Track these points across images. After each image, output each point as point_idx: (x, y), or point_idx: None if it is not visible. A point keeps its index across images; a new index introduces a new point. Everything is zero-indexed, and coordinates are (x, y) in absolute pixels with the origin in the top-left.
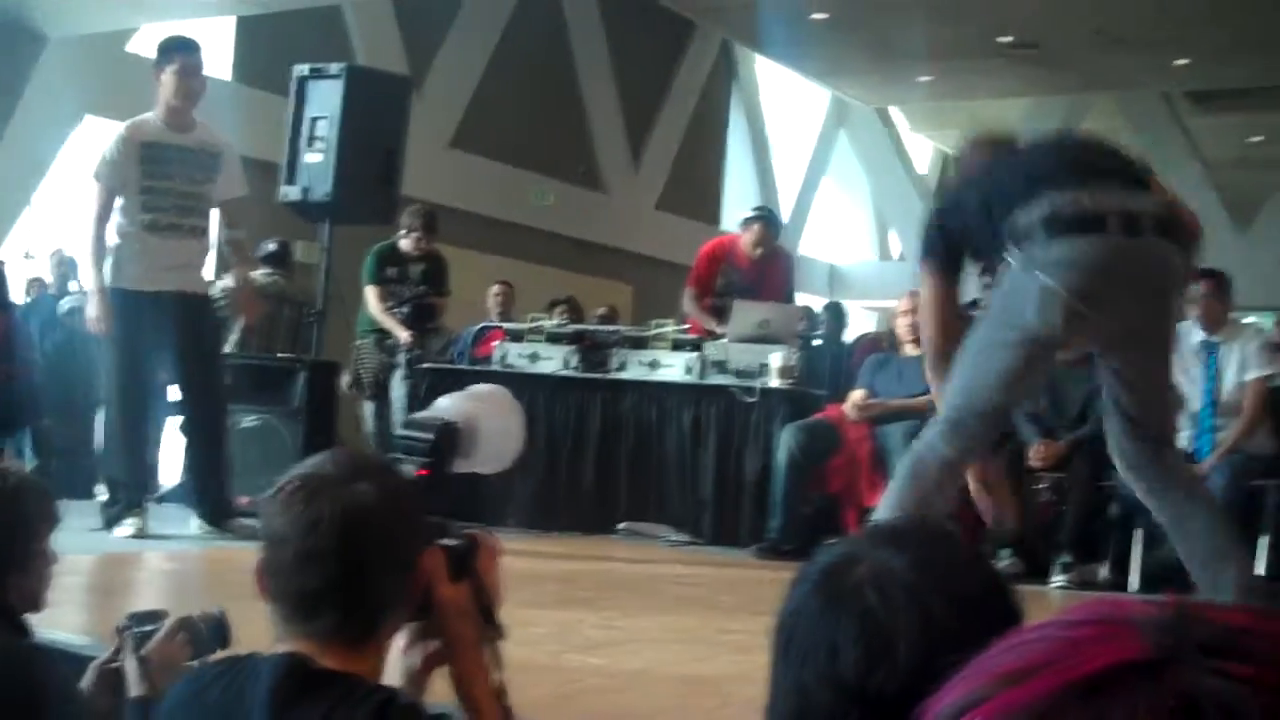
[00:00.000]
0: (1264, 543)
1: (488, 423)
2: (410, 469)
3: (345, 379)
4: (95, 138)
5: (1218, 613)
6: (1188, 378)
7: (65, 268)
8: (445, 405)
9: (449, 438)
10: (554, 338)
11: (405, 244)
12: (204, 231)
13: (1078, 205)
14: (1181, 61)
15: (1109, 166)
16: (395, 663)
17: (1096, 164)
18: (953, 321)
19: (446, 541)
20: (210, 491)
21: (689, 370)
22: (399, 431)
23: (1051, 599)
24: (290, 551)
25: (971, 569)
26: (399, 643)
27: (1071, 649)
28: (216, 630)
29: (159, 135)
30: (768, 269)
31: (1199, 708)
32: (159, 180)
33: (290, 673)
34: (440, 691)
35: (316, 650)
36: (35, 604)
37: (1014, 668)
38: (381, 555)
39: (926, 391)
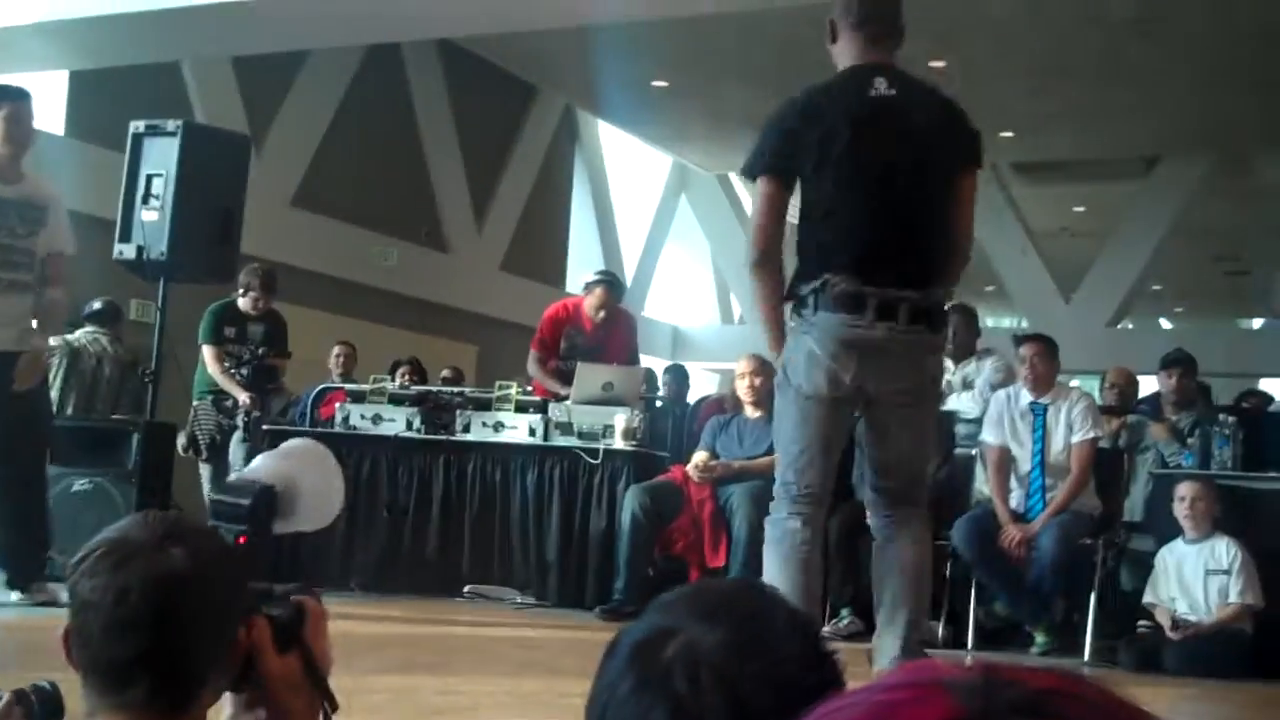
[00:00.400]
0: (1092, 598)
1: (306, 480)
2: (228, 535)
3: (181, 440)
4: None
5: (1024, 675)
6: (1016, 440)
7: None
8: (260, 466)
9: (266, 500)
10: (397, 399)
11: (243, 303)
12: (25, 287)
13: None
14: (1006, 134)
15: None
16: None
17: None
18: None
19: (271, 610)
20: (19, 554)
21: (533, 432)
22: (214, 496)
23: None
24: (99, 621)
25: (789, 641)
26: (225, 713)
27: (886, 713)
28: (50, 704)
29: None
30: (611, 331)
31: None
32: None
33: None
34: None
35: None
36: None
37: None
38: (196, 623)
39: (768, 452)
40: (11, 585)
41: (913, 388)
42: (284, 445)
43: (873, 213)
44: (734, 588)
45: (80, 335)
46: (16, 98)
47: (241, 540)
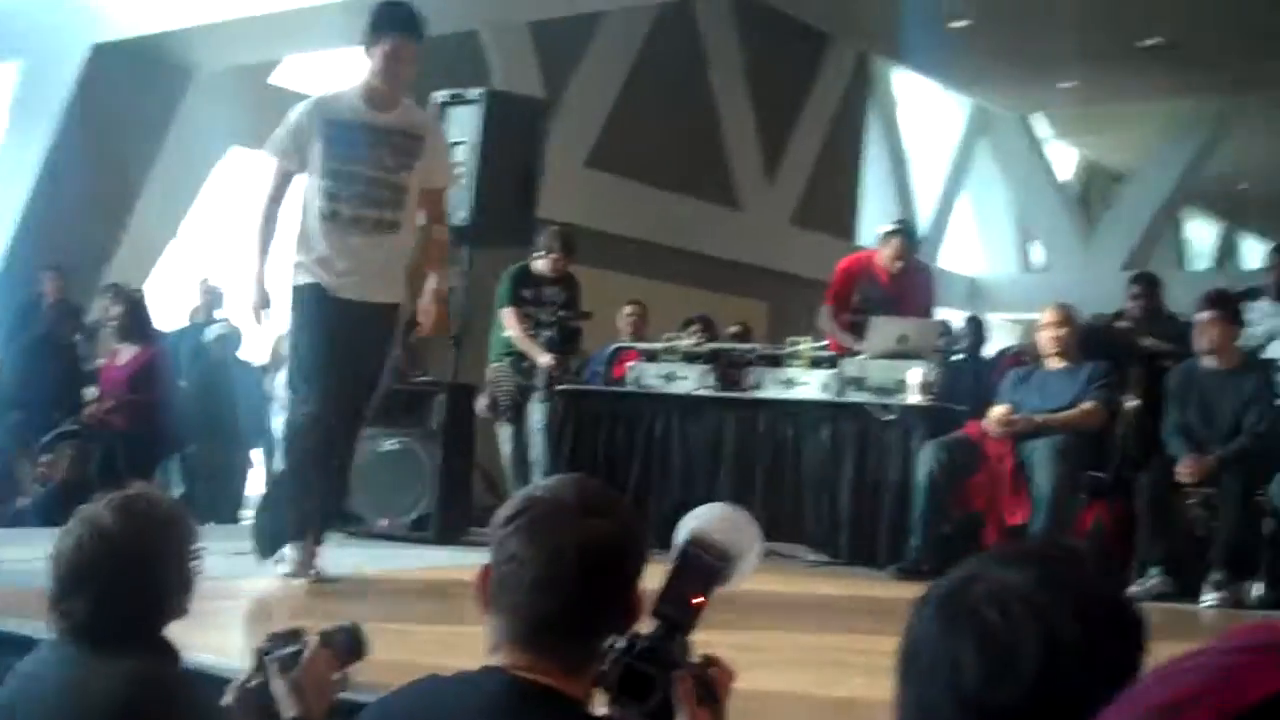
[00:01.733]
0: None
1: (745, 556)
2: (690, 593)
3: (482, 402)
4: (241, 169)
5: None
6: None
7: (211, 297)
8: (714, 528)
9: (726, 569)
10: (689, 357)
11: (542, 265)
12: (392, 226)
13: None
14: None
15: None
16: None
17: None
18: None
19: (695, 669)
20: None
21: (826, 388)
22: (685, 546)
23: (1202, 619)
24: (529, 575)
25: (1096, 586)
26: None
27: (1227, 679)
28: (353, 642)
29: (349, 113)
30: (907, 284)
31: None
32: (344, 164)
33: (513, 686)
34: None
35: (531, 664)
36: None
37: (1169, 699)
38: (612, 590)
39: (1070, 406)
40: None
41: None
42: (725, 512)
43: None
44: (1040, 542)
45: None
46: (405, 31)
47: (700, 600)
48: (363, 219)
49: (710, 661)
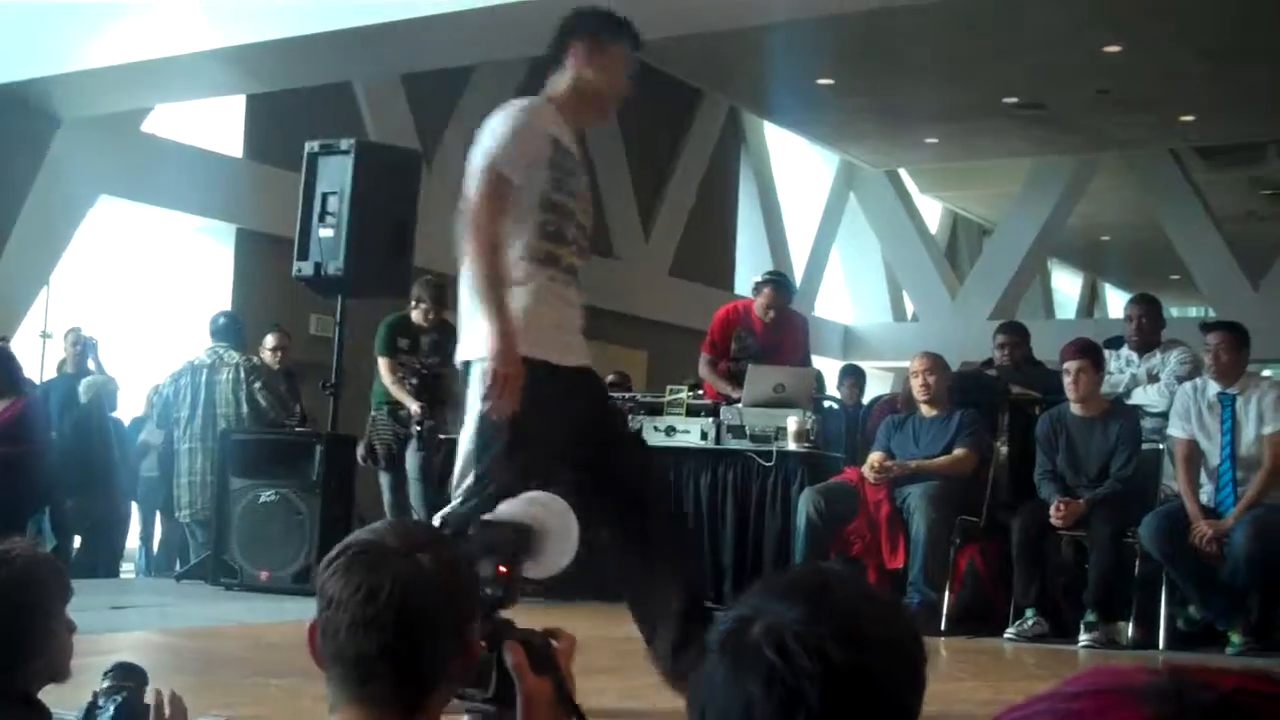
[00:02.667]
0: None
1: (552, 529)
2: (490, 564)
3: (360, 451)
4: (111, 218)
5: (1214, 676)
6: (1204, 432)
7: (83, 346)
8: (512, 509)
9: (525, 540)
10: None
11: (416, 315)
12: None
13: None
14: (1187, 118)
15: None
16: None
17: None
18: None
19: (529, 637)
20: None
21: (705, 435)
22: (480, 527)
23: (1079, 659)
24: (347, 617)
25: (863, 606)
26: None
27: None
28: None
29: (563, 134)
30: (782, 332)
31: None
32: (565, 196)
33: None
34: None
35: (368, 717)
36: (59, 676)
37: None
38: (437, 626)
39: (943, 452)
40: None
41: None
42: (531, 494)
43: None
44: (799, 572)
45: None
46: (635, 46)
47: (504, 570)
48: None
49: (549, 632)
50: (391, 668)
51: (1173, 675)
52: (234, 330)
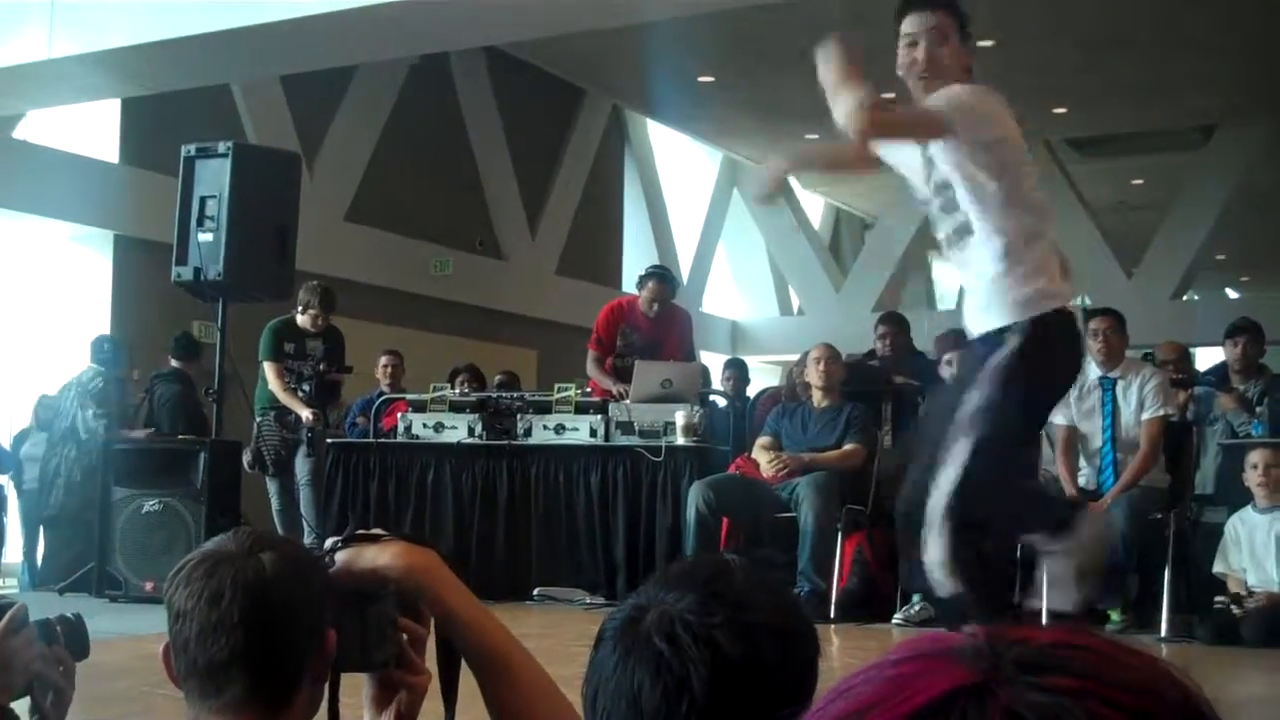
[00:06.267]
0: (1166, 573)
1: None
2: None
3: (247, 457)
4: None
5: (1029, 633)
6: (1085, 416)
7: None
8: None
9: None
10: (458, 406)
11: (302, 320)
12: None
13: None
14: (1060, 110)
15: None
16: None
17: None
18: None
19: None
20: None
21: (594, 433)
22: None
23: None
24: (195, 625)
25: (756, 596)
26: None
27: (898, 686)
28: (77, 636)
29: None
30: (667, 328)
31: None
32: None
33: None
34: None
35: None
36: None
37: (847, 710)
38: (288, 624)
39: (832, 444)
40: None
41: None
42: None
43: None
44: (695, 561)
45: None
46: None
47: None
48: None
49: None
50: (245, 671)
51: (989, 636)
52: (105, 351)
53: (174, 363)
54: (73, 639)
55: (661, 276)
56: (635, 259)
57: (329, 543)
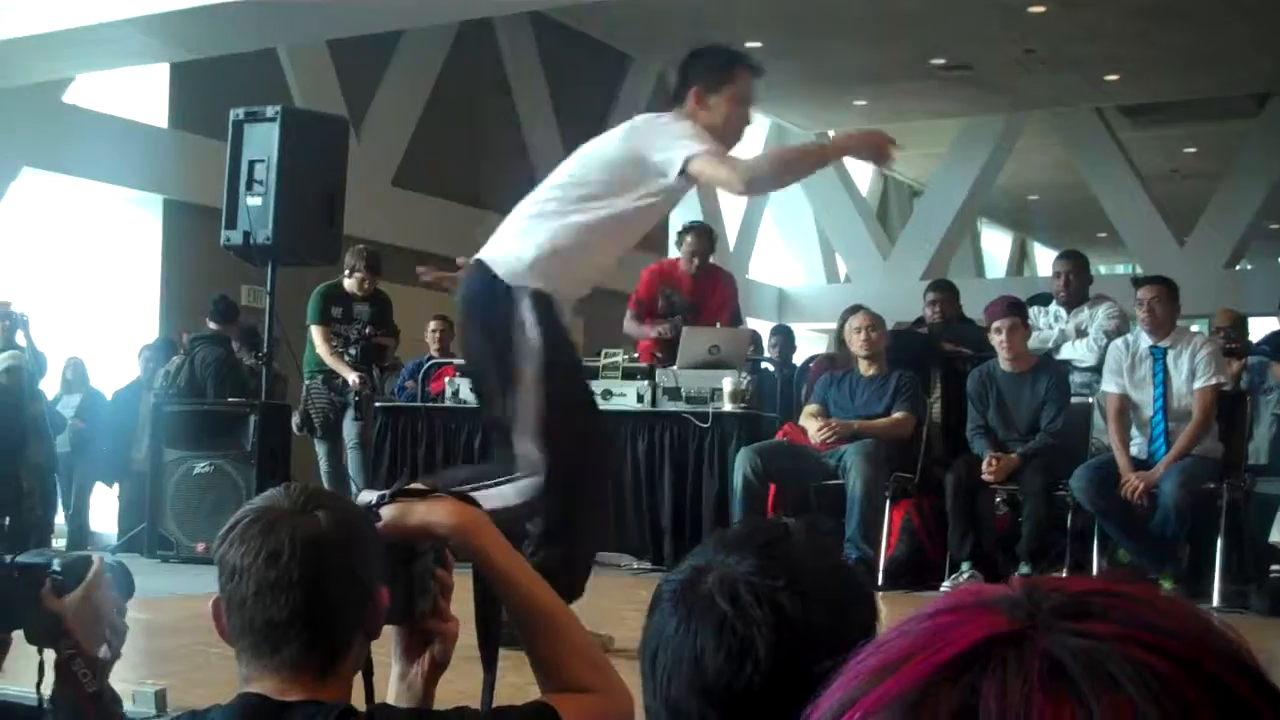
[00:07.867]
0: (1218, 543)
1: None
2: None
3: (295, 420)
4: (34, 192)
5: (1066, 582)
6: (1136, 385)
7: (12, 322)
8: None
9: None
10: None
11: (349, 284)
12: None
13: None
14: (1112, 77)
15: None
16: (400, 693)
17: None
18: None
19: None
20: None
21: (641, 398)
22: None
23: None
24: (252, 584)
25: (814, 560)
26: (394, 678)
27: (935, 636)
28: (125, 577)
29: None
30: (709, 288)
31: (1064, 667)
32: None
33: (246, 711)
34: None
35: (283, 684)
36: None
37: (882, 662)
38: (343, 583)
39: (881, 412)
40: None
41: None
42: None
43: None
44: (752, 525)
45: None
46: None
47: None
48: None
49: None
50: (303, 631)
51: (1026, 586)
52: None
53: (211, 325)
54: (122, 580)
55: (700, 230)
56: (682, 225)
57: (373, 497)
